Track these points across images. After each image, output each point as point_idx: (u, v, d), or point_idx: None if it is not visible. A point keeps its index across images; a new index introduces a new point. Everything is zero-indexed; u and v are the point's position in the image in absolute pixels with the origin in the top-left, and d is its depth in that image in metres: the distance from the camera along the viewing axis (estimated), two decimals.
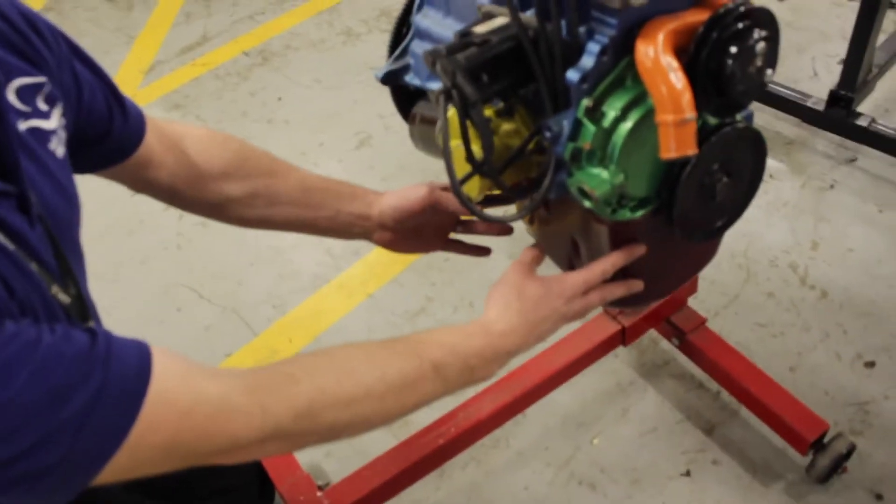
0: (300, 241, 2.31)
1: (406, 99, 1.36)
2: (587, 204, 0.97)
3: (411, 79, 1.29)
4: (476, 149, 0.97)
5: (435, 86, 1.23)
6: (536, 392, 1.67)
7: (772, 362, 1.83)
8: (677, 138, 0.89)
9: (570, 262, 1.27)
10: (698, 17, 0.92)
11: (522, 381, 1.65)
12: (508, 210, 1.08)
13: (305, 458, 1.63)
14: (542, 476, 1.70)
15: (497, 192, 1.10)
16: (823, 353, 1.88)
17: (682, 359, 1.88)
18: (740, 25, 0.90)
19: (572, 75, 0.92)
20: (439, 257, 2.20)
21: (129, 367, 0.65)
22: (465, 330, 0.91)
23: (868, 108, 2.46)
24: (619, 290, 1.04)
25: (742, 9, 0.91)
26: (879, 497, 1.61)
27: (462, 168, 0.99)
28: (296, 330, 2.05)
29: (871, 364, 1.86)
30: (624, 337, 1.73)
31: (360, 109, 2.78)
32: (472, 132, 0.96)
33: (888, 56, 2.45)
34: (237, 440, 0.71)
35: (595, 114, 0.93)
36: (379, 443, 1.71)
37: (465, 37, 0.99)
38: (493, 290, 0.99)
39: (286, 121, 2.79)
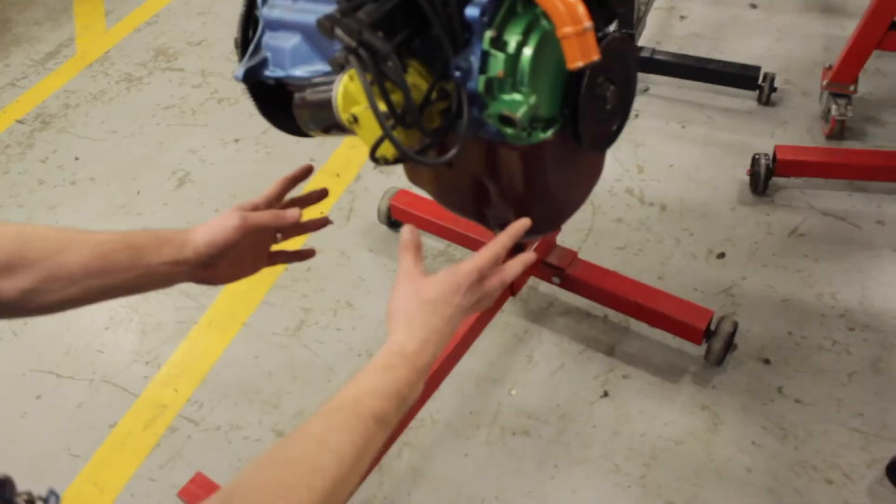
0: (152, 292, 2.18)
1: (262, 95, 1.34)
2: (508, 131, 1.01)
3: (272, 72, 1.27)
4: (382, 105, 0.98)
5: (299, 72, 1.23)
6: (448, 363, 1.68)
7: (641, 277, 1.96)
8: (580, 47, 0.94)
9: (476, 208, 1.31)
10: None
11: None
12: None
13: None
14: (477, 439, 1.72)
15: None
16: (681, 257, 2.05)
17: (563, 297, 1.97)
18: None
19: (472, 11, 0.95)
20: (301, 267, 2.17)
21: None
22: (387, 364, 0.89)
23: (644, 41, 2.71)
24: (516, 268, 1.01)
25: None
26: (767, 361, 1.79)
27: (373, 131, 0.99)
28: (178, 379, 1.94)
29: (721, 255, 2.05)
30: (512, 286, 1.79)
31: (169, 149, 2.66)
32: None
33: None
34: None
35: (499, 43, 0.97)
36: None
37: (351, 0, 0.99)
38: (391, 307, 0.95)
39: (91, 178, 2.61)
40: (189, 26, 3.32)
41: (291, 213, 1.10)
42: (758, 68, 2.49)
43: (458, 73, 0.98)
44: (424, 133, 0.99)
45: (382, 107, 0.95)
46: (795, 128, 2.42)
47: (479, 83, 0.98)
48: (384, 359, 0.90)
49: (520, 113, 0.98)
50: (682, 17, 2.95)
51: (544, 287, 1.99)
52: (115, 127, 2.82)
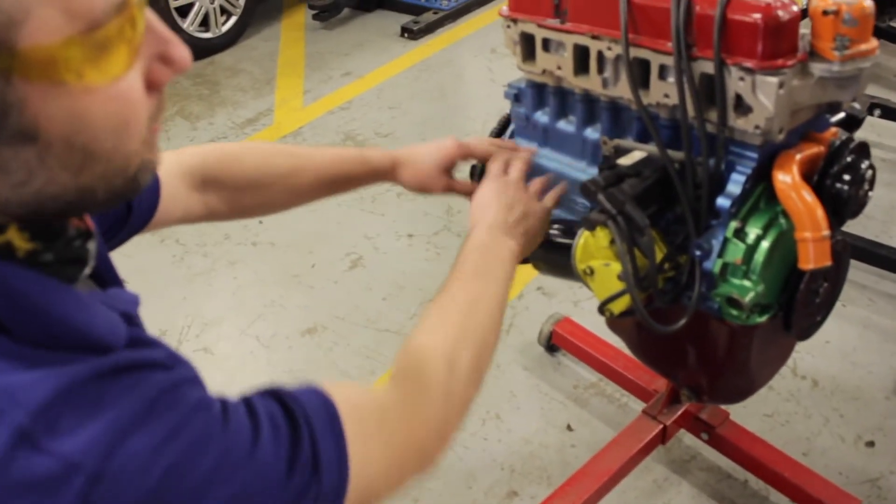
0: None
1: None
2: (733, 312, 1.10)
3: None
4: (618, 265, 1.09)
5: None
6: (595, 497, 1.74)
7: (786, 449, 1.97)
8: (816, 252, 1.04)
9: (670, 366, 1.39)
10: (814, 149, 1.09)
11: (581, 489, 1.73)
12: None
13: None
14: None
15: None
16: (828, 436, 2.06)
17: (706, 452, 2.01)
18: (852, 158, 1.08)
19: (723, 202, 1.06)
20: None
21: (326, 425, 0.68)
22: (465, 241, 1.06)
23: None
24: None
25: (852, 144, 1.08)
26: None
27: (611, 284, 1.11)
28: None
29: (871, 444, 2.04)
30: (664, 436, 1.85)
31: (346, 231, 2.86)
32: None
33: None
34: (427, 425, 0.81)
35: (741, 233, 1.07)
36: None
37: (612, 169, 1.12)
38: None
39: (271, 243, 2.83)
40: (379, 118, 3.59)
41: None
42: None
43: (698, 252, 1.09)
44: (658, 299, 1.10)
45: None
46: None
47: (715, 265, 1.08)
48: (465, 240, 1.07)
49: (747, 299, 1.07)
50: None
51: (689, 439, 2.03)
52: None
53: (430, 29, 4.38)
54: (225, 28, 4.35)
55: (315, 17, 4.50)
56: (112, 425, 0.53)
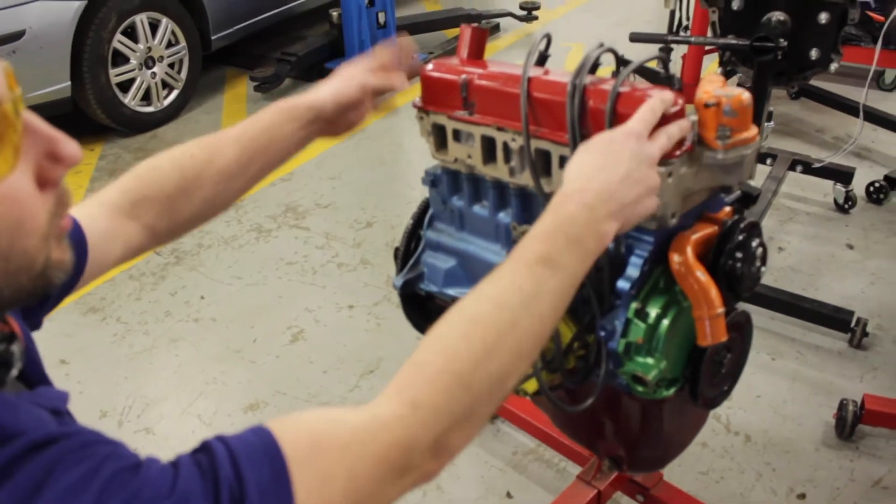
0: None
1: (413, 304, 1.52)
2: (638, 388, 1.15)
3: (425, 286, 1.45)
4: None
5: (451, 291, 1.40)
6: None
7: None
8: (712, 329, 1.10)
9: (589, 438, 1.44)
10: (708, 229, 1.16)
11: None
12: None
13: None
14: None
15: None
16: (761, 491, 2.11)
17: None
18: (743, 237, 1.15)
19: (623, 284, 1.12)
20: None
21: (257, 451, 0.65)
22: (549, 210, 0.88)
23: None
24: (674, 130, 1.00)
25: (742, 224, 1.15)
26: None
27: None
28: None
29: (802, 496, 2.10)
30: (599, 500, 1.88)
31: (287, 304, 2.88)
32: None
33: None
34: (412, 447, 0.71)
35: (642, 313, 1.13)
36: None
37: None
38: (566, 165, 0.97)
39: (213, 319, 2.84)
40: (319, 188, 3.63)
41: (401, 83, 1.30)
42: (851, 312, 2.60)
43: (602, 333, 1.14)
44: (566, 379, 1.14)
45: None
46: (885, 375, 2.49)
47: (619, 345, 1.13)
48: (549, 207, 0.89)
49: (651, 375, 1.12)
50: (781, 249, 3.10)
51: (626, 501, 2.06)
52: (241, 273, 3.07)
53: None
54: (167, 102, 4.39)
55: (256, 88, 4.56)
56: (16, 494, 0.55)
